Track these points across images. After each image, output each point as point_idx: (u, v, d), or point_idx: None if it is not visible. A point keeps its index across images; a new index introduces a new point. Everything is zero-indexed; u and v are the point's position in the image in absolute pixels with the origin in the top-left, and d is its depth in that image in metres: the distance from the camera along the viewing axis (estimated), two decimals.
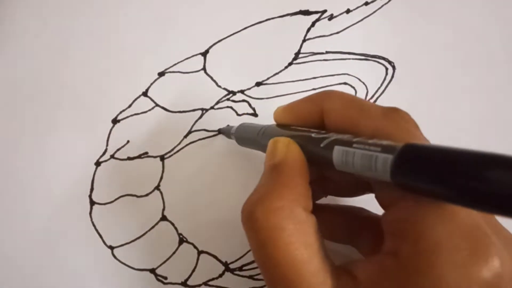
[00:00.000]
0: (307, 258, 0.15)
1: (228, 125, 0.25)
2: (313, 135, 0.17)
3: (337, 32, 0.26)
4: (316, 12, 0.27)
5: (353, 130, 0.17)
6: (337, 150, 0.16)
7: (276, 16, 0.27)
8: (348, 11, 0.27)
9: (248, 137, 0.22)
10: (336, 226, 0.21)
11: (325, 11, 0.27)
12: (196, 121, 0.26)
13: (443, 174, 0.12)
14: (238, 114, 0.26)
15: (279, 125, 0.20)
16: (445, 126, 0.25)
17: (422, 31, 0.26)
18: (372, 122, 0.16)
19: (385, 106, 0.17)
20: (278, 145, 0.18)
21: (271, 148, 0.18)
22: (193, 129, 0.26)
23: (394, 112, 0.16)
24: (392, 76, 0.25)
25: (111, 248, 0.24)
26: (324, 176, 0.20)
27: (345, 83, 0.26)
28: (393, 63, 0.26)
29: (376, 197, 0.17)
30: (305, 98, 0.19)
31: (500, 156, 0.11)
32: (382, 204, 0.17)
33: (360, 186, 0.20)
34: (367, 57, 0.26)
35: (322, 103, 0.18)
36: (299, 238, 0.16)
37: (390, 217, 0.16)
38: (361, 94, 0.25)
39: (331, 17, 0.27)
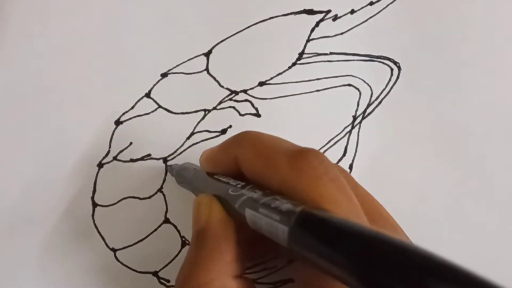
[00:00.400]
0: None
1: (175, 164, 0.25)
2: (230, 190, 0.17)
3: (342, 33, 0.26)
4: (321, 12, 0.26)
5: (263, 182, 0.16)
6: (248, 212, 0.15)
7: (279, 14, 0.27)
8: (352, 11, 0.26)
9: (185, 176, 0.23)
10: None
11: (329, 11, 0.26)
12: (199, 122, 0.26)
13: (332, 249, 0.11)
14: (240, 114, 0.26)
15: (207, 172, 0.20)
16: (451, 126, 0.25)
17: (428, 31, 0.26)
18: (278, 174, 0.16)
19: (295, 150, 0.16)
20: (201, 207, 0.18)
21: (195, 210, 0.18)
22: (195, 130, 0.26)
23: (300, 159, 0.15)
24: (398, 77, 0.25)
25: (114, 250, 0.24)
26: None
27: (349, 85, 0.25)
28: (398, 63, 0.25)
29: None
30: (219, 146, 0.19)
31: (394, 241, 0.10)
32: None
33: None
34: (372, 57, 0.25)
35: (235, 152, 0.18)
36: None
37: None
38: (365, 95, 0.25)
39: (335, 18, 0.26)
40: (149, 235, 0.24)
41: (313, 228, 0.12)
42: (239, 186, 0.17)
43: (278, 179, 0.15)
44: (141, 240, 0.24)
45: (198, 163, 0.25)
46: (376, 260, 0.10)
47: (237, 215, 0.16)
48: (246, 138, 0.18)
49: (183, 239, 0.24)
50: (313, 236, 0.12)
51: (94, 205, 0.25)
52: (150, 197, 0.25)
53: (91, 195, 0.25)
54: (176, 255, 0.24)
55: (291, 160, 0.15)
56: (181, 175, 0.23)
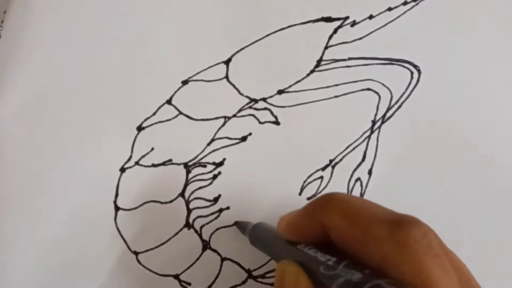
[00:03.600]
0: None
1: (246, 222, 0.24)
2: (322, 268, 0.16)
3: (360, 38, 0.26)
4: (339, 19, 0.27)
5: (360, 254, 0.15)
6: None
7: (298, 23, 0.27)
8: (371, 16, 0.26)
9: (261, 239, 0.21)
10: None
11: (347, 17, 0.27)
12: (219, 129, 0.26)
13: None
14: (260, 122, 0.26)
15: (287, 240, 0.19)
16: (472, 130, 0.25)
17: (448, 36, 0.26)
18: (379, 249, 0.14)
19: (395, 219, 0.15)
20: (287, 278, 0.17)
21: (279, 279, 0.17)
22: (216, 136, 0.26)
23: (402, 231, 0.14)
24: (418, 80, 0.25)
25: (136, 253, 0.25)
26: None
27: (368, 89, 0.25)
28: (418, 67, 0.25)
29: None
30: (302, 211, 0.18)
31: None
32: None
33: None
34: (391, 61, 0.25)
35: (321, 217, 0.17)
36: None
37: None
38: (385, 99, 0.25)
39: (353, 24, 0.27)
40: (170, 238, 0.25)
41: None
42: (330, 263, 0.15)
43: (379, 254, 0.14)
44: (163, 244, 0.25)
45: (220, 169, 0.26)
46: None
47: None
48: (333, 202, 0.16)
49: (204, 243, 0.25)
50: None
51: (117, 208, 0.25)
52: (171, 201, 0.25)
53: (113, 199, 0.25)
54: (198, 259, 0.24)
55: (393, 232, 0.14)
56: (256, 237, 0.22)
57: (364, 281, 0.14)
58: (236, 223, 0.25)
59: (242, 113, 0.27)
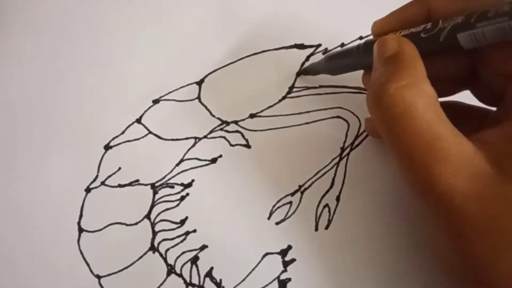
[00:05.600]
0: (443, 123, 0.16)
1: (313, 63, 0.26)
2: (422, 34, 0.18)
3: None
4: (311, 46, 0.27)
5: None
6: (462, 36, 0.16)
7: (271, 48, 0.28)
8: (342, 45, 0.27)
9: (342, 61, 0.23)
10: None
11: (319, 45, 0.27)
12: (189, 149, 0.26)
13: None
14: (231, 145, 0.26)
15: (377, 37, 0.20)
16: None
17: None
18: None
19: None
20: (388, 41, 0.18)
21: (380, 45, 0.18)
22: (185, 157, 0.26)
23: None
24: None
25: (98, 277, 0.24)
26: None
27: (338, 117, 0.26)
28: None
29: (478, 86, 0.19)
30: (408, 4, 0.20)
31: None
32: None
33: (457, 83, 0.20)
34: (360, 90, 0.26)
35: (428, 3, 0.19)
36: (431, 108, 0.16)
37: None
38: (354, 127, 0.26)
39: (325, 51, 0.27)
40: (134, 262, 0.24)
41: None
42: (428, 26, 0.18)
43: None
44: (126, 268, 0.24)
45: (187, 190, 0.25)
46: None
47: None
48: None
49: (169, 267, 0.24)
50: None
51: (80, 230, 0.24)
52: (136, 223, 0.25)
53: (77, 220, 0.24)
54: (162, 284, 0.24)
55: None
56: (336, 63, 0.24)
57: (471, 17, 0.16)
58: (301, 72, 0.27)
59: (213, 134, 0.26)
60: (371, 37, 0.21)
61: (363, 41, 0.21)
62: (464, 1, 0.18)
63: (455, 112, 0.18)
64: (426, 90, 0.17)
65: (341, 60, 0.23)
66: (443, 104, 0.17)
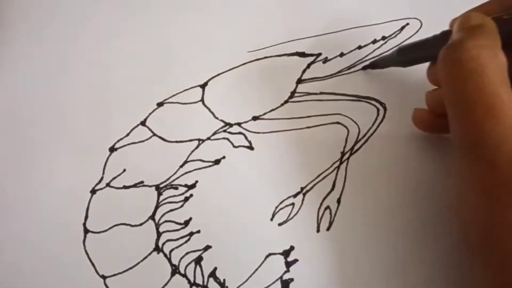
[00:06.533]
0: (506, 88, 0.17)
1: (380, 58, 0.27)
2: (504, 16, 0.19)
3: (331, 75, 0.28)
4: (312, 55, 0.28)
5: None
6: None
7: (273, 55, 0.28)
8: (341, 54, 0.28)
9: (416, 53, 0.24)
10: None
11: (320, 54, 0.28)
12: (193, 151, 0.27)
13: None
14: (234, 146, 0.27)
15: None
16: (437, 164, 0.26)
17: (410, 75, 0.28)
18: None
19: None
20: (472, 15, 0.19)
21: (464, 18, 0.19)
22: (189, 159, 0.27)
23: None
24: (383, 117, 0.27)
25: (104, 277, 0.24)
26: None
27: (337, 123, 0.27)
28: (384, 104, 0.27)
29: None
30: (489, 1, 0.21)
31: None
32: None
33: None
34: (359, 98, 0.27)
35: (507, 1, 0.20)
36: (500, 72, 0.17)
37: None
38: (353, 133, 0.27)
39: (325, 60, 0.28)
40: (139, 262, 0.24)
41: None
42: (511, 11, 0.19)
43: None
44: (131, 268, 0.24)
45: (192, 191, 0.26)
46: None
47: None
48: None
49: (173, 267, 0.25)
50: None
51: (86, 231, 0.24)
52: (141, 224, 0.25)
53: (83, 221, 0.25)
54: (166, 284, 0.24)
55: None
56: (410, 56, 0.24)
57: None
58: (369, 66, 0.27)
59: (216, 136, 0.27)
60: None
61: (439, 32, 0.22)
62: None
63: None
64: (499, 56, 0.18)
65: (414, 51, 0.24)
66: None
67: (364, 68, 0.28)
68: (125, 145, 0.26)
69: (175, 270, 0.25)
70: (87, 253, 0.24)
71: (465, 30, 0.19)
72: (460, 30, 0.19)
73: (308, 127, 0.27)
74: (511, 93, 0.17)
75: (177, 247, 0.25)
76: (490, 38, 0.18)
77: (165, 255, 0.25)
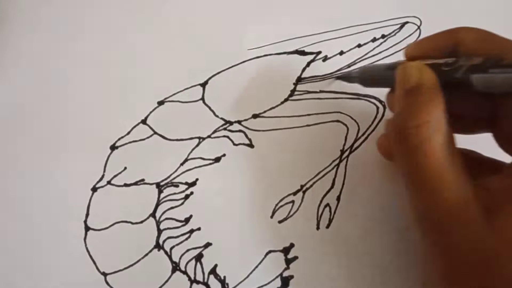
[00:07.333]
0: (451, 166, 0.17)
1: (349, 71, 0.27)
2: (443, 67, 0.19)
3: (331, 73, 0.28)
4: (311, 53, 0.28)
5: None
6: (476, 77, 0.17)
7: (273, 53, 0.29)
8: (341, 52, 0.28)
9: (374, 75, 0.24)
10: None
11: (319, 52, 0.28)
12: (193, 149, 0.27)
13: None
14: (234, 144, 0.27)
15: (409, 60, 0.21)
16: None
17: None
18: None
19: None
20: (410, 70, 0.19)
21: (401, 73, 0.20)
22: (189, 157, 0.27)
23: None
24: (383, 115, 0.27)
25: (104, 274, 0.24)
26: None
27: (337, 121, 0.27)
28: (383, 102, 0.27)
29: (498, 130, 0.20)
30: (440, 32, 0.21)
31: None
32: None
33: (478, 122, 0.22)
34: (359, 96, 0.27)
35: (457, 34, 0.20)
36: (446, 147, 0.18)
37: None
38: (353, 131, 0.27)
39: (325, 59, 0.28)
40: (139, 260, 0.25)
41: None
42: (450, 61, 0.19)
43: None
44: (132, 265, 0.24)
45: (192, 189, 0.26)
46: None
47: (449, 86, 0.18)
48: (469, 27, 0.20)
49: (174, 264, 0.25)
50: None
51: (87, 228, 0.25)
52: (142, 221, 0.25)
53: (84, 218, 0.25)
54: (166, 281, 0.24)
55: None
56: (369, 76, 0.24)
57: (487, 61, 0.17)
58: (338, 77, 0.27)
59: (216, 134, 0.27)
60: (403, 59, 0.22)
61: (395, 62, 0.22)
62: (490, 42, 0.19)
63: (468, 159, 0.19)
64: (442, 129, 0.18)
65: (373, 74, 0.24)
66: (460, 151, 0.18)
67: (337, 78, 0.27)
68: (126, 143, 0.26)
69: (175, 267, 0.25)
70: (88, 250, 0.24)
71: (404, 96, 0.19)
72: (401, 91, 0.19)
73: (308, 125, 0.27)
74: (457, 166, 0.18)
75: (177, 245, 0.25)
76: (430, 109, 0.18)
77: (165, 252, 0.25)
